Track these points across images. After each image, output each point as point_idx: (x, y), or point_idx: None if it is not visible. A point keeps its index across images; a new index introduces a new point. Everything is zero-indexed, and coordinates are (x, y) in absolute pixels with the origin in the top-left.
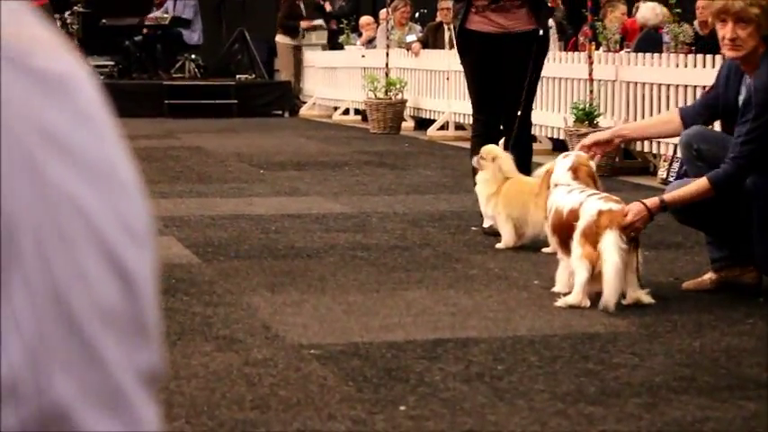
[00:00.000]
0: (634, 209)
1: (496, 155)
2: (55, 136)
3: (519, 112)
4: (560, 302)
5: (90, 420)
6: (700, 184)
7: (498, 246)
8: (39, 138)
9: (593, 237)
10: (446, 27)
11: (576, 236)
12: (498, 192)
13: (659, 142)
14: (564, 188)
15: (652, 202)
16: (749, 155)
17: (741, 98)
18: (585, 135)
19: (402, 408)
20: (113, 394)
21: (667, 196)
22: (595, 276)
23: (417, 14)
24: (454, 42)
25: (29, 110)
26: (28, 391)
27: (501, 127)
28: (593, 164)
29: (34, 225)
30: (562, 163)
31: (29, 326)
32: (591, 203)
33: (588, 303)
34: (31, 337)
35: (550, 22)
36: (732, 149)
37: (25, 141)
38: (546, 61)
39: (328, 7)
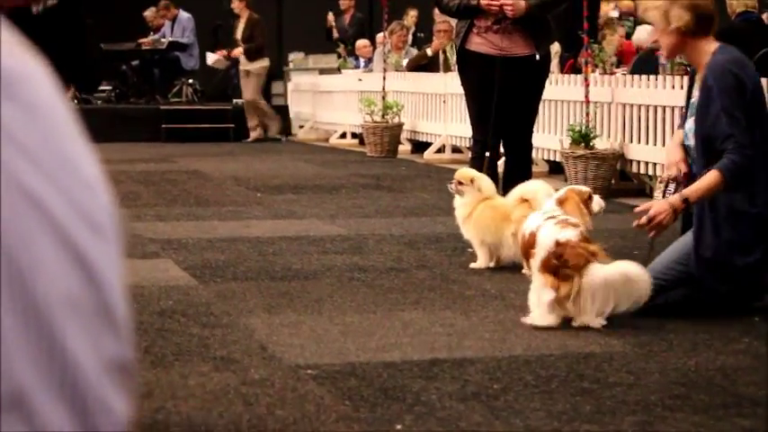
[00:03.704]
0: (657, 206)
1: (473, 176)
2: (8, 130)
3: (519, 136)
4: (526, 319)
5: (48, 406)
6: (711, 176)
7: (472, 266)
8: None
9: (553, 268)
10: (440, 52)
11: (536, 265)
12: (473, 215)
13: (655, 164)
14: (539, 213)
15: (674, 198)
16: (749, 140)
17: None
18: (582, 157)
19: (399, 427)
20: (74, 382)
21: (686, 191)
22: (560, 300)
23: (413, 36)
24: (451, 65)
25: None
26: None
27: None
28: (596, 203)
29: None
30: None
31: None
32: (546, 231)
33: (557, 322)
34: None
35: (557, 46)
36: (727, 142)
37: None
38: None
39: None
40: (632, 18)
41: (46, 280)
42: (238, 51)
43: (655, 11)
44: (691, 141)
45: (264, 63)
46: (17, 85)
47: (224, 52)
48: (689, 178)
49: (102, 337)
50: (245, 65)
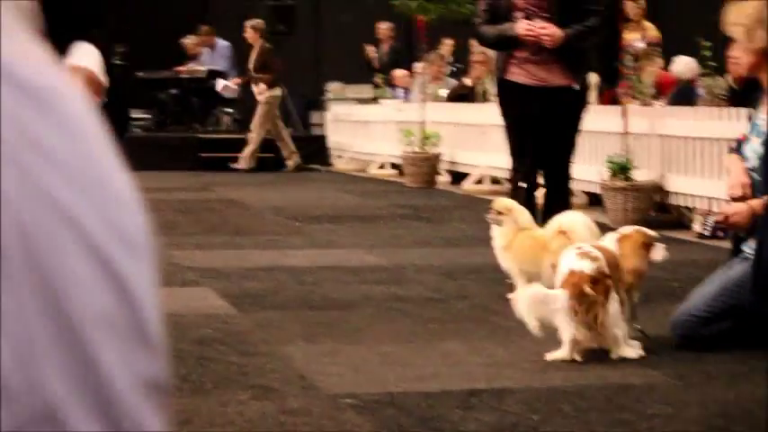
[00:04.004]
0: (738, 206)
1: (511, 207)
2: (42, 146)
3: (558, 166)
4: (549, 356)
5: (82, 423)
6: None
7: (510, 296)
8: (27, 146)
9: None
10: (478, 83)
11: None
12: (511, 245)
13: (694, 196)
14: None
15: (757, 202)
16: None
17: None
18: (621, 189)
19: None
20: (108, 399)
21: None
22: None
23: (453, 70)
24: (488, 96)
25: (18, 120)
26: (19, 391)
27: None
28: (659, 251)
29: (23, 230)
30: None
31: (15, 327)
32: (566, 259)
33: (579, 358)
34: (19, 338)
35: (596, 77)
36: None
37: (14, 149)
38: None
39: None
40: (659, 48)
41: (79, 296)
42: (262, 88)
43: (740, 27)
44: (754, 163)
45: (275, 93)
46: (51, 100)
47: (238, 80)
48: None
49: (136, 355)
50: (258, 95)
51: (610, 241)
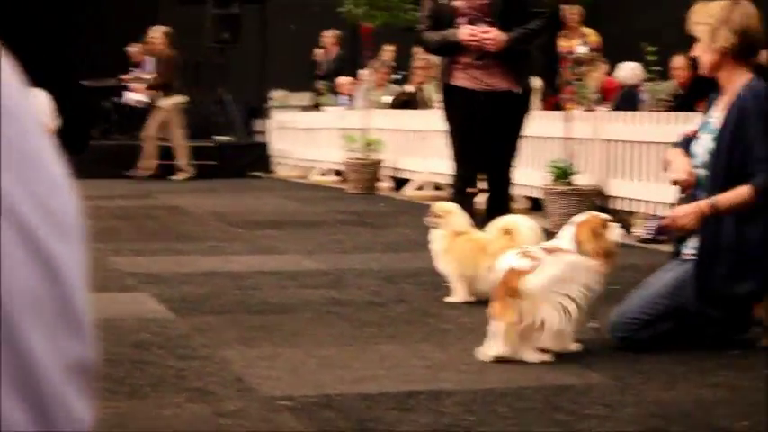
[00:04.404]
0: (686, 208)
1: (449, 210)
2: None
3: (500, 170)
4: (481, 355)
5: (6, 403)
6: (744, 190)
7: (448, 299)
8: None
9: (498, 293)
10: (420, 89)
11: (491, 291)
12: (450, 248)
13: (636, 200)
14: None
15: (705, 203)
16: None
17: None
18: (562, 193)
19: None
20: (33, 379)
21: (717, 198)
22: (509, 328)
23: (398, 78)
24: (429, 102)
25: None
26: None
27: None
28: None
29: None
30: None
31: None
32: (505, 258)
33: (508, 353)
34: None
35: (539, 82)
36: (762, 164)
37: None
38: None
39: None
40: (600, 53)
41: (7, 276)
42: (157, 94)
43: (704, 27)
44: (703, 159)
45: (174, 100)
46: None
47: (141, 89)
48: (690, 194)
49: (63, 337)
50: (156, 101)
51: (567, 235)
